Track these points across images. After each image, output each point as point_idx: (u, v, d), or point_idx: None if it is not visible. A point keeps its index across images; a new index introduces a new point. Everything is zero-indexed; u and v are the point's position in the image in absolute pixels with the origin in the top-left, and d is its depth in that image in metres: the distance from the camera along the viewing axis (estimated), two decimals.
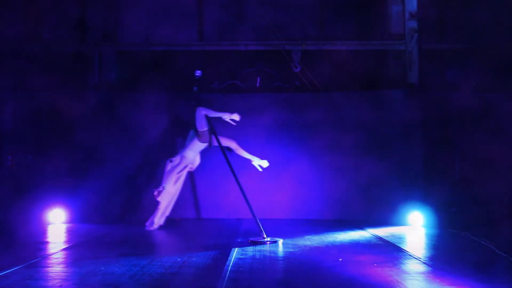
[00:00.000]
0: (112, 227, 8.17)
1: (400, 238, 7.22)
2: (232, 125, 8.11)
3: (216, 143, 7.94)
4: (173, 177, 7.99)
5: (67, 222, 8.60)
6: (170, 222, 8.90)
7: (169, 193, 7.99)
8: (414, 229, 8.06)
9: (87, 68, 9.67)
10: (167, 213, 8.18)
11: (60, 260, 5.85)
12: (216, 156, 9.21)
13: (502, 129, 8.86)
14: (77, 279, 4.88)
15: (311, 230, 7.82)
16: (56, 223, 8.54)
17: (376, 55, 9.81)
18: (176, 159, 8.08)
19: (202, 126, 7.92)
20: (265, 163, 8.10)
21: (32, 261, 5.60)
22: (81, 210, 8.77)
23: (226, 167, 9.11)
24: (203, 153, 9.21)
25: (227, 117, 8.02)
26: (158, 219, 8.06)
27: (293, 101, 9.36)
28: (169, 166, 8.03)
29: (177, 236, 7.58)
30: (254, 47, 9.78)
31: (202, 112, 7.93)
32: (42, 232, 7.86)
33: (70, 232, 7.85)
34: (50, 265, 5.55)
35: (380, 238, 7.16)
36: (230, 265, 5.44)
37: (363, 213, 8.93)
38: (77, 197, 8.78)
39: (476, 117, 9.05)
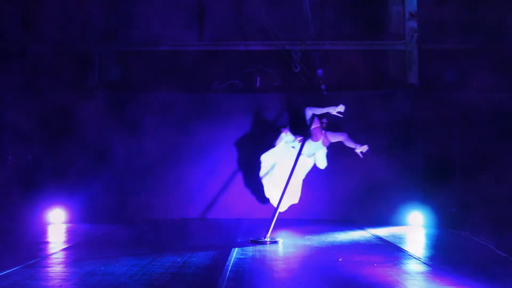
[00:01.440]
0: (112, 227, 8.17)
1: (400, 238, 7.22)
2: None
3: (333, 140, 7.90)
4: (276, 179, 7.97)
5: (67, 222, 8.61)
6: (171, 222, 8.91)
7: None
8: (414, 229, 8.06)
9: (87, 68, 9.67)
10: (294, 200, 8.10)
11: (60, 260, 5.86)
12: (216, 156, 9.24)
13: (503, 129, 8.85)
14: (77, 279, 4.88)
15: (311, 230, 7.83)
16: (56, 223, 8.54)
17: (376, 55, 9.80)
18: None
19: (312, 125, 7.88)
20: (365, 148, 7.88)
21: (32, 261, 5.60)
22: (81, 210, 8.77)
23: (226, 167, 9.17)
24: (201, 152, 9.25)
25: (333, 111, 7.93)
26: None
27: (293, 101, 9.36)
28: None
29: (177, 236, 7.57)
30: (254, 47, 9.78)
31: (309, 112, 7.92)
32: (42, 232, 7.86)
33: (70, 232, 7.84)
34: (50, 265, 5.55)
35: (380, 238, 7.16)
36: (230, 265, 5.44)
37: (363, 213, 8.93)
38: (77, 197, 8.78)
39: (476, 117, 9.04)
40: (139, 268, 5.29)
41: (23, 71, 9.39)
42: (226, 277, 4.92)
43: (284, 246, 6.60)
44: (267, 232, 6.91)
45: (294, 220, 8.96)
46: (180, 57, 9.64)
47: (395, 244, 6.68)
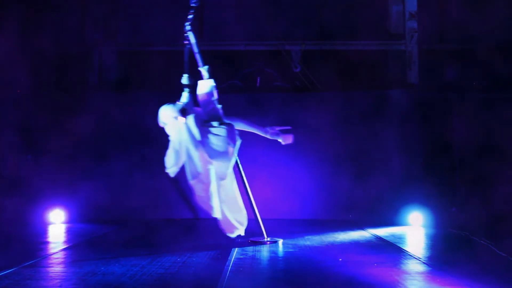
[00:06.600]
0: (112, 227, 8.17)
1: (400, 238, 7.22)
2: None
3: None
4: None
5: (67, 222, 8.60)
6: (170, 222, 8.91)
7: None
8: (414, 229, 8.06)
9: (87, 68, 9.67)
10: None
11: (60, 260, 5.86)
12: None
13: (503, 129, 8.85)
14: (77, 279, 4.87)
15: (311, 230, 7.82)
16: (56, 223, 8.54)
17: (376, 55, 9.80)
18: None
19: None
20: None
21: (32, 261, 5.60)
22: (81, 210, 8.77)
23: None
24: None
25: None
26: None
27: (293, 101, 9.37)
28: None
29: (177, 236, 7.57)
30: (254, 47, 9.78)
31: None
32: (42, 232, 7.86)
33: (70, 232, 7.85)
34: (50, 265, 5.55)
35: (380, 238, 7.16)
36: (230, 265, 5.44)
37: (363, 213, 8.93)
38: (77, 197, 8.78)
39: (476, 117, 9.04)
40: (139, 268, 5.29)
41: (20, 70, 9.39)
42: (226, 277, 4.92)
43: (284, 246, 6.60)
44: (266, 232, 6.91)
45: (294, 220, 8.97)
46: (180, 57, 9.63)
47: (395, 244, 6.67)
